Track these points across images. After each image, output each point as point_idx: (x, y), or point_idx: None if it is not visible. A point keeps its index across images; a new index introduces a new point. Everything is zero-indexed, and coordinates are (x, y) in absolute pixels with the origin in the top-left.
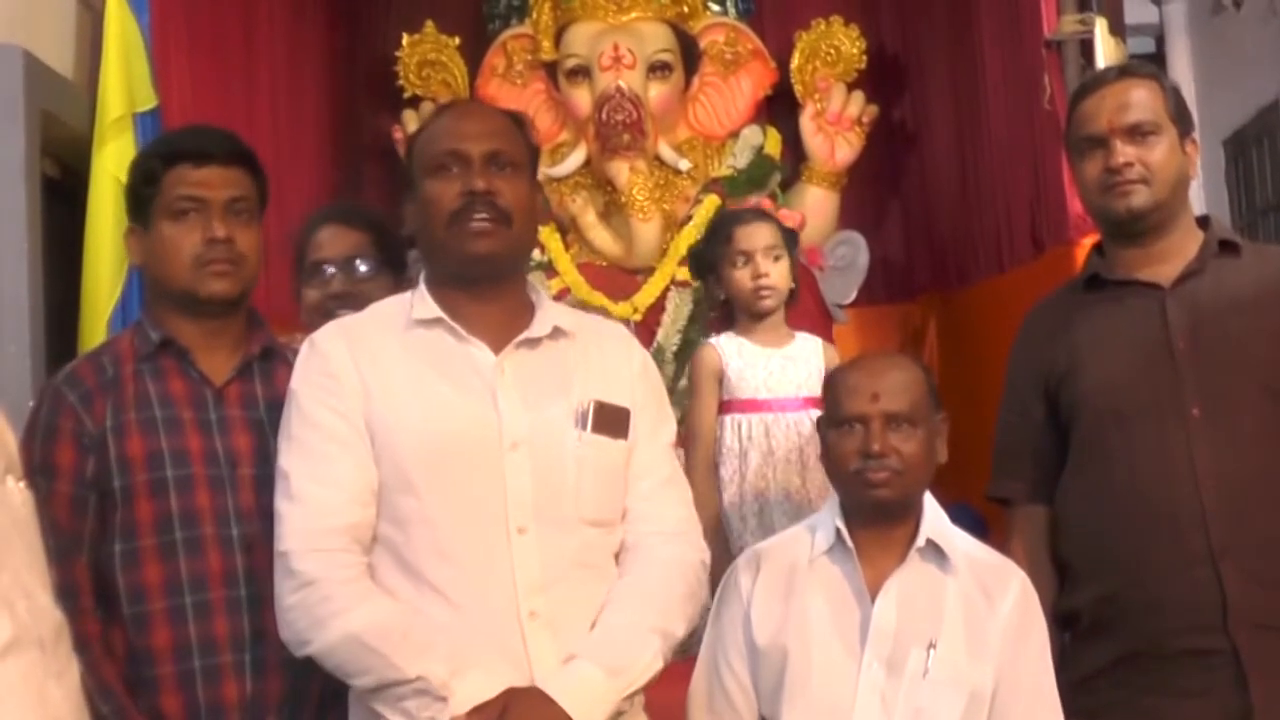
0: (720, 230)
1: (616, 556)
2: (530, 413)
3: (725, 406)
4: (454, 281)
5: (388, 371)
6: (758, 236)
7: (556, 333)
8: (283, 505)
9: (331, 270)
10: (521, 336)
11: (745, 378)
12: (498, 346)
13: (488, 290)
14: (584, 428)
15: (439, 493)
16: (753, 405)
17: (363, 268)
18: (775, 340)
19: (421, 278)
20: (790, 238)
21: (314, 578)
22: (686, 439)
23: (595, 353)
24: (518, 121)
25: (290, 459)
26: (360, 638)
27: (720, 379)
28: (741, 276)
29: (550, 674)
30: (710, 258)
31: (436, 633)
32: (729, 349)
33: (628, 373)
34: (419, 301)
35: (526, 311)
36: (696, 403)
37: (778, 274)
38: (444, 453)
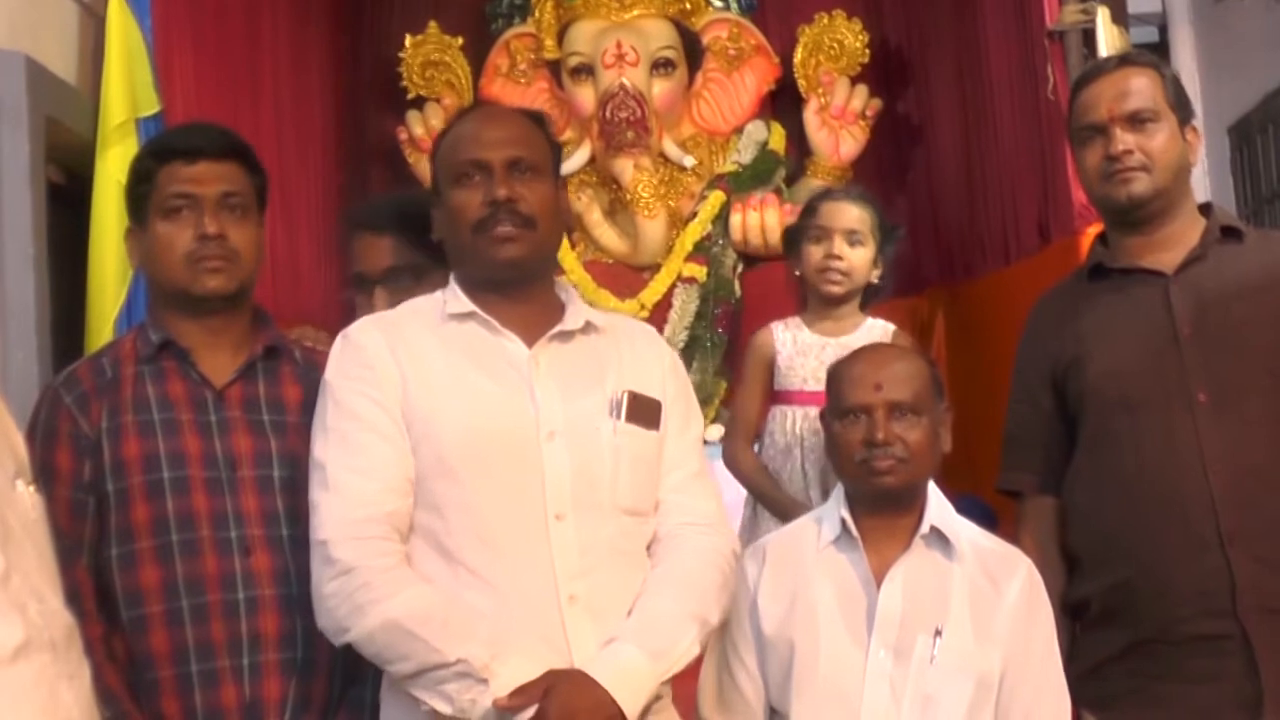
0: (808, 204)
1: (648, 548)
2: (566, 404)
3: (776, 397)
4: (484, 285)
5: (425, 363)
6: (840, 215)
7: (589, 327)
8: (319, 495)
9: None
10: (555, 329)
11: (794, 367)
12: (530, 340)
13: (518, 291)
14: (618, 417)
15: (479, 480)
16: (800, 397)
17: None
18: (837, 329)
19: (453, 276)
20: (887, 231)
21: (352, 565)
22: (728, 423)
23: (627, 348)
24: (538, 121)
25: (327, 449)
26: (400, 623)
27: (770, 366)
28: (814, 253)
29: (591, 657)
30: (795, 231)
31: (477, 618)
32: (784, 336)
33: (659, 368)
34: (451, 297)
35: (557, 309)
36: (740, 388)
37: (855, 259)
38: (484, 443)
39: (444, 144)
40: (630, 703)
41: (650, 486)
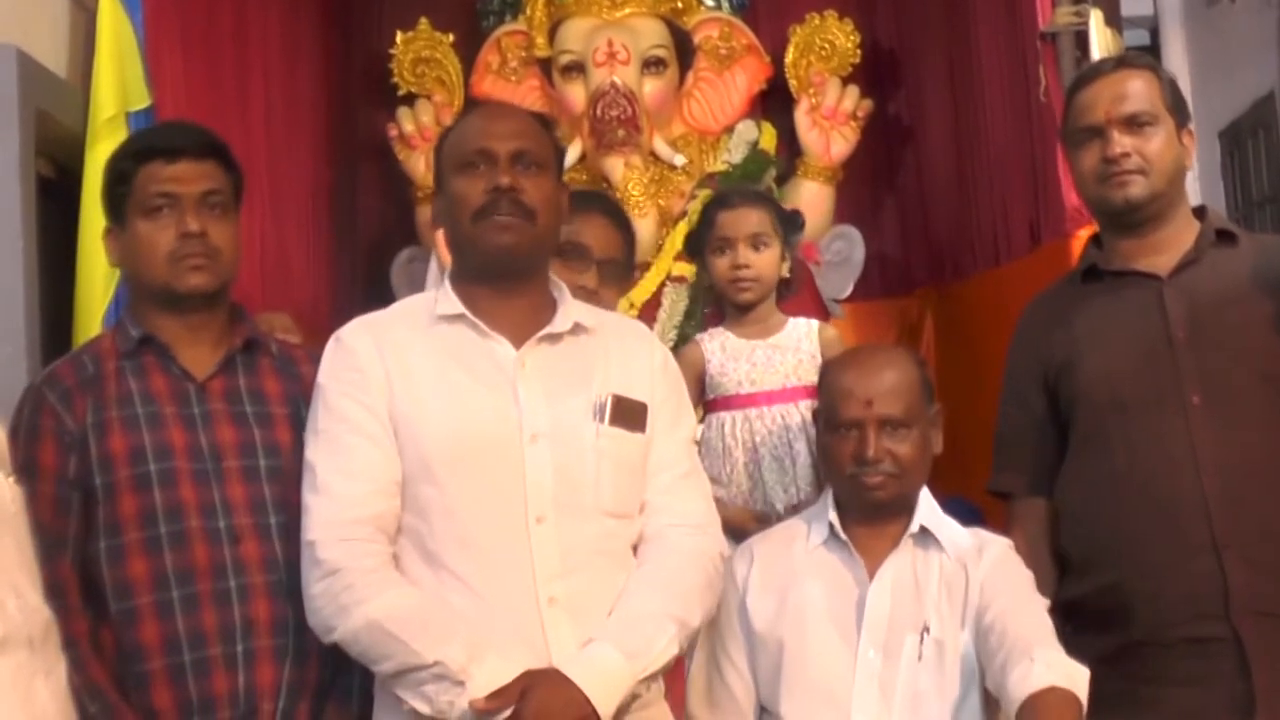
0: (705, 214)
1: (634, 547)
2: (550, 406)
3: (711, 405)
4: (478, 277)
5: (412, 365)
6: (740, 223)
7: (578, 328)
8: (309, 497)
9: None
10: (543, 332)
11: (727, 373)
12: (519, 342)
13: (511, 286)
14: (602, 420)
15: (460, 484)
16: (736, 401)
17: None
18: (762, 331)
19: (445, 275)
20: (788, 222)
21: (338, 566)
22: None
23: (616, 348)
24: (544, 122)
25: (317, 452)
26: (382, 624)
27: (700, 379)
28: (721, 265)
29: (568, 657)
30: (698, 243)
31: (457, 620)
32: (712, 345)
33: (647, 368)
34: (443, 298)
35: (549, 307)
36: None
37: (761, 264)
38: (465, 445)
39: (450, 135)
40: (604, 702)
41: (634, 489)
